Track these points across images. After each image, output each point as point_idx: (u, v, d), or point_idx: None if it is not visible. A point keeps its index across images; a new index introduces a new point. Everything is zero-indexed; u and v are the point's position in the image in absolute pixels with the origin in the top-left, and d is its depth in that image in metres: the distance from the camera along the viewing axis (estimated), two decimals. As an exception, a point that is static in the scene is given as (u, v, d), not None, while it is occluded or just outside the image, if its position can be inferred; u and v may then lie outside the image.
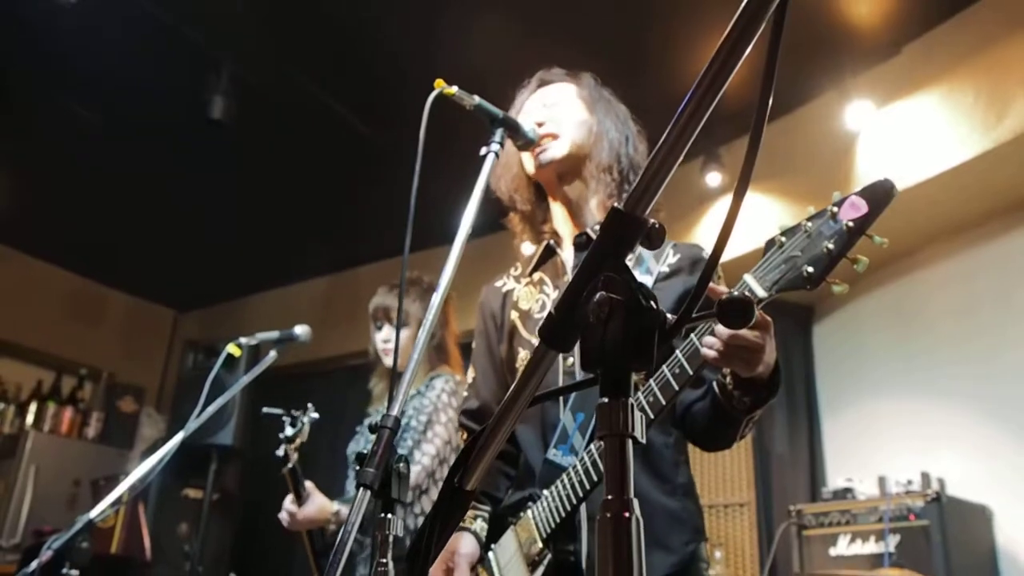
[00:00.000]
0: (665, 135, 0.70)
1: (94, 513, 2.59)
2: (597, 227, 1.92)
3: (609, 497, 0.63)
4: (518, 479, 1.96)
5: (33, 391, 6.40)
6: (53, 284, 6.75)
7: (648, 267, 1.94)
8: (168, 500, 5.34)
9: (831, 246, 1.44)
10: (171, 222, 5.94)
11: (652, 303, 0.66)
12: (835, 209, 1.46)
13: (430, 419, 2.97)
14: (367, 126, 4.70)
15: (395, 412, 1.40)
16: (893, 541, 3.48)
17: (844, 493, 3.84)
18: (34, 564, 2.39)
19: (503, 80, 4.19)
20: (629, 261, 1.82)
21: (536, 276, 2.08)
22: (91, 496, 5.37)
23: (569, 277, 1.97)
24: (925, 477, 3.63)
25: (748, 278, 1.50)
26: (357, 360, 6.22)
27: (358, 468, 1.32)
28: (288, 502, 2.84)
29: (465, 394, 2.18)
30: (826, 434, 4.55)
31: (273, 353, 3.11)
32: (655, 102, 4.36)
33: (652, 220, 0.70)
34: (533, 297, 2.05)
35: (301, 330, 3.13)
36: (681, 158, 0.70)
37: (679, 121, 0.68)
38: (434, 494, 2.94)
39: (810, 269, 1.44)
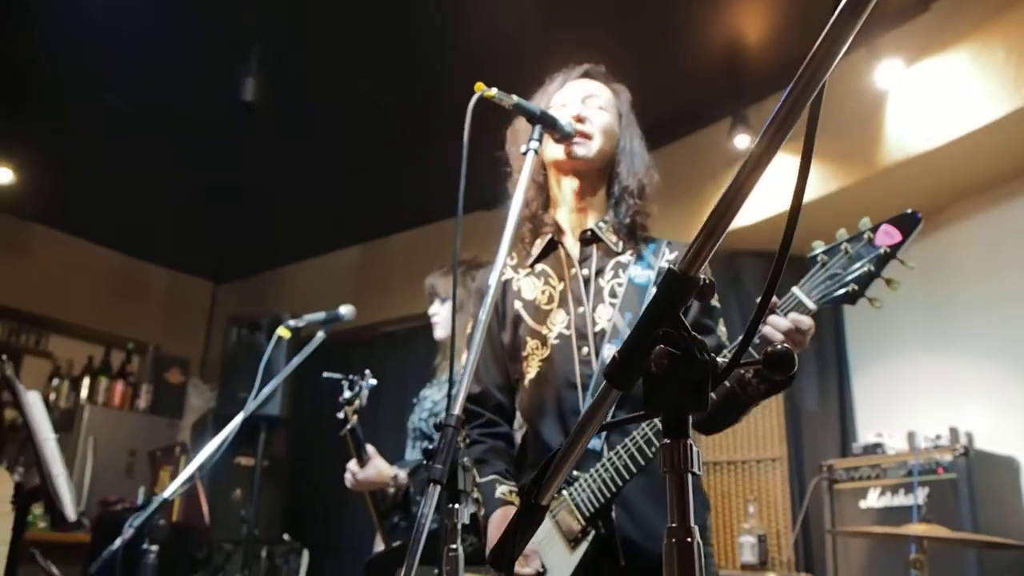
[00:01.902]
0: (713, 208, 0.79)
1: (167, 492, 2.74)
2: (602, 224, 2.05)
3: (673, 525, 0.74)
4: (535, 461, 2.05)
5: (85, 367, 6.65)
6: (97, 262, 6.97)
7: (649, 262, 2.06)
8: (222, 469, 5.56)
9: (871, 268, 1.68)
10: (207, 198, 6.11)
11: (705, 355, 0.77)
12: (871, 235, 1.71)
13: None
14: (396, 100, 4.77)
15: (457, 411, 1.53)
16: (922, 494, 3.59)
17: (874, 448, 3.95)
18: (118, 542, 2.54)
19: (529, 51, 4.27)
20: (631, 256, 1.92)
21: (538, 268, 2.15)
22: (149, 467, 5.58)
23: (577, 270, 2.08)
24: (953, 432, 3.73)
25: (797, 291, 1.70)
26: (393, 327, 6.40)
27: (427, 463, 1.46)
28: (351, 464, 2.99)
29: None
30: (856, 390, 4.63)
31: (321, 334, 3.23)
32: (675, 77, 4.45)
33: (703, 277, 0.80)
34: (538, 288, 2.12)
35: (345, 310, 3.27)
36: (728, 228, 0.80)
37: (718, 210, 0.77)
38: None
39: (855, 287, 1.69)
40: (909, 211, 1.69)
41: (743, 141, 4.56)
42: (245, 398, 5.37)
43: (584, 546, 1.84)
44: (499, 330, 2.16)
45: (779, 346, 0.78)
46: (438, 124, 4.88)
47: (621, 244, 2.09)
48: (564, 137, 1.97)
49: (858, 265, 1.69)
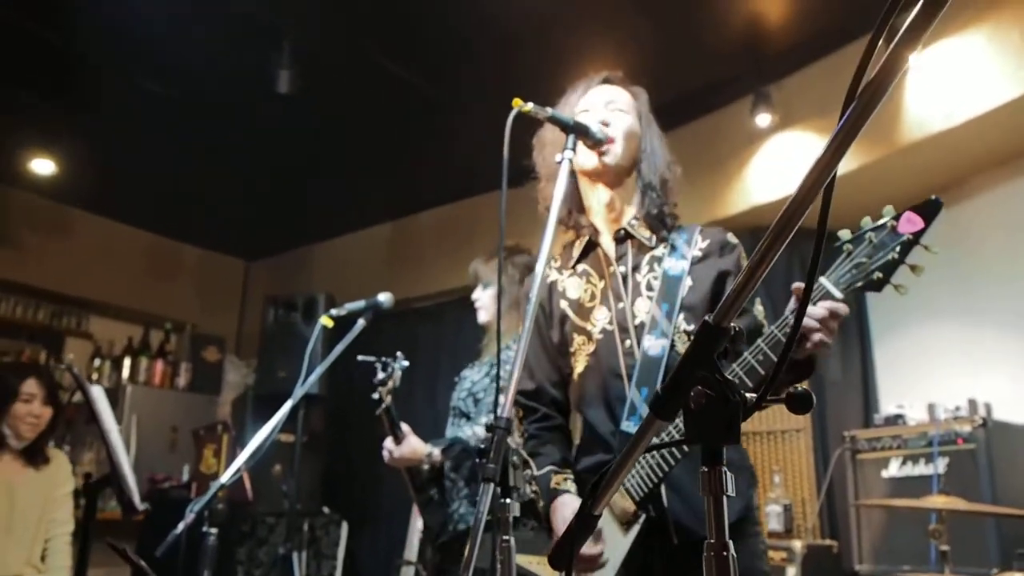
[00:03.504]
0: (745, 266, 0.93)
1: (224, 478, 2.91)
2: (634, 222, 2.19)
3: (712, 540, 0.90)
4: (587, 447, 2.23)
5: (125, 347, 6.86)
6: (133, 244, 7.17)
7: (682, 253, 2.19)
8: (263, 446, 5.77)
9: (896, 255, 1.75)
10: (239, 178, 6.25)
11: (736, 396, 0.91)
12: (894, 223, 1.76)
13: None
14: (424, 80, 4.87)
15: (506, 414, 1.68)
16: (942, 464, 3.72)
17: (895, 419, 4.08)
18: (181, 526, 2.73)
19: (556, 30, 4.34)
20: (664, 249, 2.06)
21: (580, 268, 2.30)
22: (193, 445, 5.80)
23: (615, 268, 2.22)
24: (972, 403, 3.85)
25: (824, 281, 1.78)
26: (424, 303, 6.55)
27: (479, 461, 1.61)
28: (388, 442, 3.17)
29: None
30: (878, 362, 4.75)
31: (361, 321, 3.39)
32: (698, 54, 4.52)
33: (734, 325, 0.94)
34: (581, 287, 2.27)
35: (384, 297, 3.42)
36: (758, 283, 0.93)
37: (756, 258, 0.90)
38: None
39: (880, 274, 1.76)
40: (931, 198, 1.75)
41: (764, 120, 4.64)
42: (284, 377, 5.64)
43: (636, 528, 1.98)
44: (548, 329, 2.32)
45: (799, 388, 0.92)
46: (465, 102, 5.02)
47: (654, 238, 2.22)
48: (597, 143, 2.12)
49: (882, 253, 1.75)
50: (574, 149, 1.99)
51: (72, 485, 4.04)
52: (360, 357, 3.26)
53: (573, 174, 2.30)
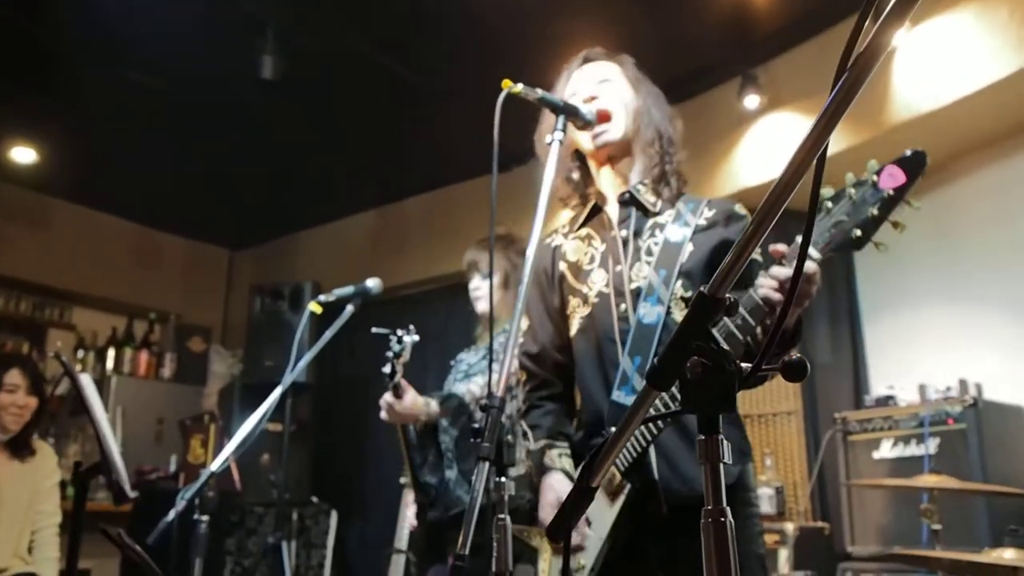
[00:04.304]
0: (738, 239, 0.94)
1: (215, 465, 2.92)
2: (639, 186, 2.21)
3: (710, 507, 0.92)
4: (583, 419, 2.27)
5: (109, 338, 6.85)
6: (115, 234, 7.14)
7: (686, 220, 2.19)
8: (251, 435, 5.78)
9: (875, 212, 1.68)
10: (221, 167, 6.22)
11: (731, 364, 0.93)
12: (875, 178, 1.70)
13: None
14: (407, 68, 4.86)
15: (500, 392, 1.70)
16: (933, 444, 3.76)
17: (886, 400, 4.11)
18: (172, 514, 2.74)
19: (539, 15, 4.32)
20: (669, 216, 2.07)
21: (583, 232, 2.33)
22: (180, 436, 5.81)
23: (616, 232, 2.24)
24: (963, 383, 3.89)
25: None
26: (411, 290, 6.56)
27: (474, 441, 1.64)
28: (387, 396, 3.19)
29: (521, 340, 2.48)
30: (868, 343, 4.77)
31: (350, 307, 3.41)
32: (685, 36, 4.52)
33: (728, 296, 0.96)
34: (582, 251, 2.30)
35: (373, 283, 3.45)
36: (752, 254, 0.94)
37: (749, 230, 0.92)
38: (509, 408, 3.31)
39: (858, 232, 1.70)
40: (914, 150, 1.69)
41: (753, 101, 4.66)
42: (271, 366, 5.64)
43: (621, 499, 2.00)
44: (550, 292, 2.35)
45: (794, 356, 0.94)
46: (449, 89, 5.02)
47: (659, 204, 2.24)
48: (586, 123, 2.13)
49: (863, 210, 1.69)
50: (564, 131, 2.01)
51: (59, 476, 4.04)
52: (374, 329, 3.29)
53: (580, 153, 2.35)
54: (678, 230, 2.17)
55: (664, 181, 2.24)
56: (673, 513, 1.97)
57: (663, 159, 2.25)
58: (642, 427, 1.95)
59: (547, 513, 2.15)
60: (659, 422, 1.93)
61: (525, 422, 2.35)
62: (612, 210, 2.29)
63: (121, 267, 7.10)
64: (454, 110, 4.97)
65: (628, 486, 2.00)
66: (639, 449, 1.97)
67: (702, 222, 2.18)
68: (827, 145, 0.87)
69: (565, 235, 2.39)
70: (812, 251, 1.72)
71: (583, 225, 2.34)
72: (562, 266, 2.33)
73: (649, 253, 2.17)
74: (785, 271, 1.71)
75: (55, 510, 3.93)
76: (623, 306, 2.14)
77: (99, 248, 6.96)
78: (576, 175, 2.37)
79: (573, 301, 2.27)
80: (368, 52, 4.70)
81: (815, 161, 0.87)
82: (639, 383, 2.05)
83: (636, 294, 2.13)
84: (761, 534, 2.15)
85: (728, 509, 0.92)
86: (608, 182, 2.32)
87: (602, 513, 2.04)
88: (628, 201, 2.26)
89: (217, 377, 6.95)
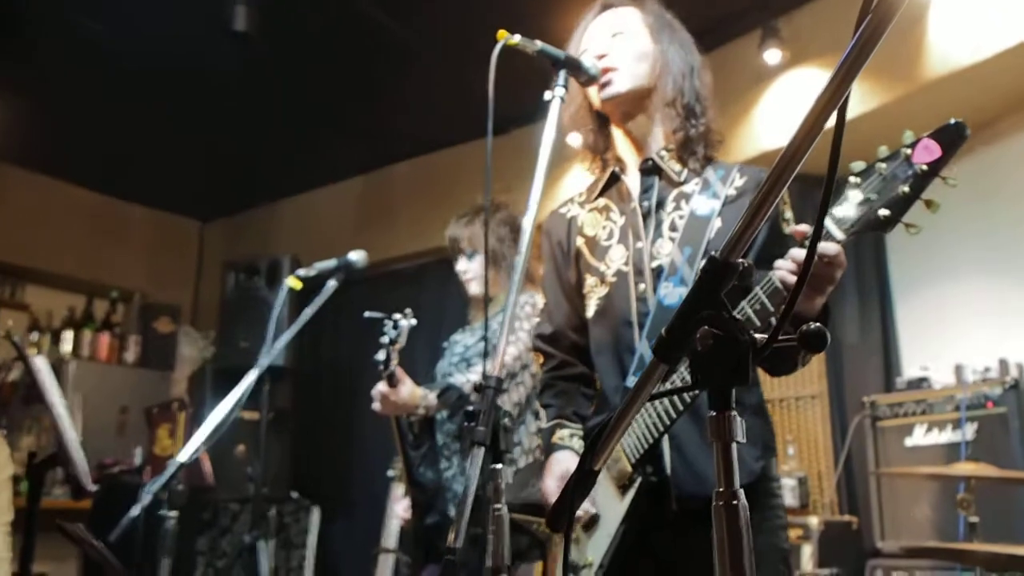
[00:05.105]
0: (753, 197, 0.95)
1: (183, 456, 2.92)
2: (663, 152, 2.19)
3: (721, 489, 0.93)
4: (598, 403, 2.28)
5: (66, 318, 6.84)
6: (73, 204, 7.09)
7: (715, 191, 2.16)
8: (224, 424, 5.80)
9: (906, 189, 1.64)
10: (190, 129, 6.19)
11: (745, 336, 0.94)
12: (908, 152, 1.66)
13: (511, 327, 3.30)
14: (394, 17, 4.83)
15: (496, 371, 1.71)
16: (970, 430, 3.79)
17: (919, 382, 4.14)
18: (137, 509, 2.74)
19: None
20: (696, 186, 2.05)
21: (601, 202, 2.31)
22: (146, 425, 5.81)
23: (636, 204, 2.22)
24: (1003, 363, 3.90)
25: (826, 221, 1.71)
26: (400, 264, 6.55)
27: (468, 425, 1.65)
28: (380, 385, 3.16)
29: (538, 319, 2.50)
30: (900, 321, 4.78)
31: (333, 282, 3.41)
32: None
33: (742, 261, 0.96)
34: (599, 224, 2.28)
35: (357, 256, 3.46)
36: (768, 213, 0.95)
37: (762, 190, 0.93)
38: (514, 395, 3.32)
39: (886, 212, 1.66)
40: (952, 121, 1.63)
41: (774, 56, 4.63)
42: (246, 348, 5.66)
43: (631, 493, 2.01)
44: (566, 269, 2.35)
45: (812, 326, 0.95)
46: (445, 41, 4.99)
47: (685, 172, 2.20)
48: (590, 80, 2.12)
49: (892, 187, 1.65)
50: (565, 86, 2.00)
51: (11, 470, 4.03)
52: (367, 314, 3.28)
53: (602, 115, 2.32)
54: (705, 202, 2.14)
55: (689, 146, 2.20)
56: (685, 514, 1.98)
57: (687, 121, 2.20)
58: (655, 414, 1.96)
59: (551, 488, 2.16)
60: (674, 411, 1.93)
61: (539, 401, 2.38)
62: (632, 179, 2.27)
63: (80, 241, 7.05)
64: (446, 65, 4.95)
65: (639, 479, 2.02)
66: (651, 439, 1.97)
67: (732, 192, 2.14)
68: (847, 98, 0.87)
69: (581, 204, 2.37)
70: (836, 231, 1.70)
71: (601, 194, 2.32)
72: (579, 240, 2.31)
73: (673, 228, 2.14)
74: (803, 253, 1.66)
75: (6, 507, 3.92)
76: (642, 286, 2.13)
77: (55, 220, 6.90)
78: (592, 137, 2.35)
79: (590, 280, 2.26)
80: (357, 6, 4.66)
81: (834, 118, 0.87)
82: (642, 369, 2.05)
83: (657, 273, 2.11)
84: (785, 528, 2.14)
85: (742, 492, 0.93)
86: (625, 146, 2.30)
87: (611, 506, 2.05)
88: (650, 169, 2.23)
89: (186, 361, 6.95)
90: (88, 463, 2.83)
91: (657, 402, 1.95)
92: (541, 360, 2.42)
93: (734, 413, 0.95)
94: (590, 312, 2.25)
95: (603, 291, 2.21)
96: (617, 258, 2.20)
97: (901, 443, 4.03)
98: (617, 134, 2.32)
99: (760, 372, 2.21)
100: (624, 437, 2.02)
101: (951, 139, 1.62)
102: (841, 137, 0.88)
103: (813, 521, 4.00)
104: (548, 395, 2.34)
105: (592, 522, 2.09)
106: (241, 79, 5.47)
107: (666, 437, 2.00)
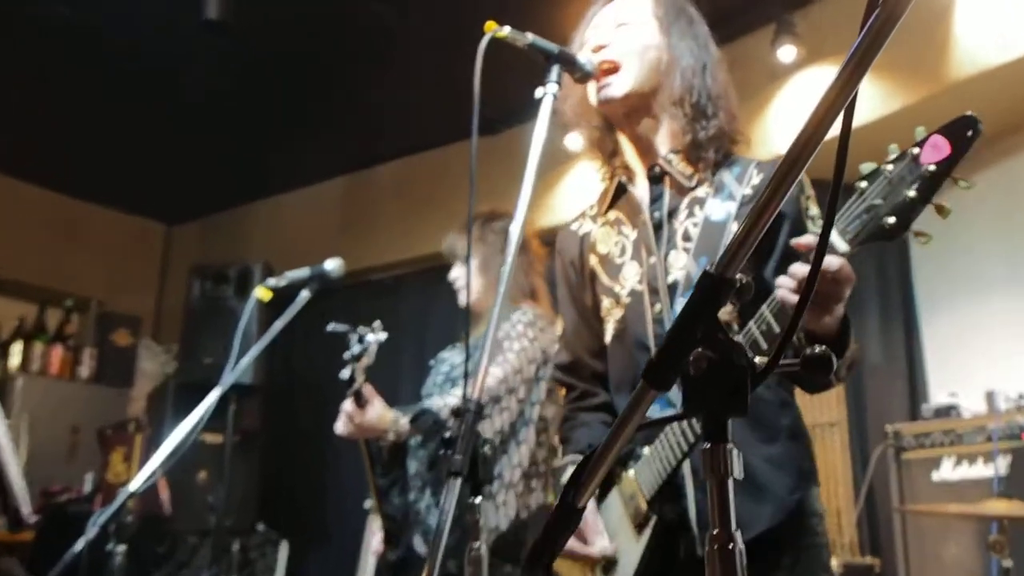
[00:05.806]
0: (753, 204, 0.93)
1: (135, 485, 2.89)
2: (671, 156, 2.15)
3: (716, 531, 0.90)
4: None
5: (16, 329, 6.77)
6: (26, 204, 7.06)
7: (731, 192, 2.10)
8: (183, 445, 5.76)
9: (912, 194, 1.55)
10: (157, 124, 6.18)
11: (742, 359, 0.92)
12: (916, 151, 1.57)
13: (501, 346, 3.27)
14: (379, 9, 4.82)
15: (475, 395, 1.68)
16: (1003, 463, 3.75)
17: (947, 410, 4.11)
18: (81, 543, 2.71)
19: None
20: (709, 189, 2.00)
21: (612, 216, 2.26)
22: (98, 449, 5.78)
23: (646, 215, 2.16)
24: (1039, 390, 3.89)
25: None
26: (381, 274, 6.54)
27: (444, 452, 1.62)
28: (347, 405, 3.05)
29: (533, 338, 2.46)
30: (926, 342, 4.76)
31: (305, 292, 3.39)
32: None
33: (740, 277, 0.94)
34: (611, 239, 2.24)
35: (332, 265, 3.44)
36: (768, 223, 0.93)
37: (762, 197, 0.91)
38: (497, 422, 3.27)
39: (891, 220, 1.57)
40: (963, 114, 1.55)
41: (788, 53, 4.63)
42: (211, 363, 5.62)
43: (647, 532, 1.97)
44: (581, 291, 2.31)
45: (817, 349, 0.92)
46: (429, 36, 4.98)
47: (695, 176, 2.13)
48: (586, 76, 2.08)
49: (898, 191, 1.57)
50: (558, 82, 1.96)
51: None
52: (331, 326, 3.23)
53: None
54: (720, 206, 2.08)
55: (699, 148, 2.13)
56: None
57: (696, 122, 2.13)
58: (668, 446, 1.92)
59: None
60: (686, 444, 1.88)
61: (559, 435, 2.35)
62: (641, 188, 2.22)
63: (32, 243, 7.02)
64: (431, 58, 4.94)
65: (654, 517, 1.97)
66: (666, 473, 1.93)
67: (748, 191, 2.08)
68: (854, 99, 0.85)
69: (593, 218, 2.33)
70: (839, 242, 1.63)
71: (611, 207, 2.28)
72: (592, 260, 2.27)
73: (687, 238, 2.08)
74: (805, 268, 1.61)
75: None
76: (658, 306, 2.08)
77: (6, 220, 6.86)
78: (597, 135, 2.29)
79: (606, 302, 2.21)
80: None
81: (842, 113, 0.85)
82: (677, 396, 2.01)
83: (673, 289, 2.06)
84: (828, 569, 2.05)
85: (738, 533, 0.90)
86: (631, 151, 2.25)
87: (630, 548, 2.01)
88: (659, 176, 2.18)
89: (146, 377, 6.91)
90: (32, 490, 2.82)
91: (671, 433, 1.92)
92: (564, 392, 2.39)
93: (731, 446, 0.92)
94: (608, 336, 2.21)
95: (619, 313, 2.16)
96: (631, 276, 2.15)
97: (928, 477, 3.99)
98: (622, 138, 2.27)
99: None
100: (642, 472, 2.00)
101: (962, 134, 1.54)
102: (847, 141, 0.86)
103: (832, 564, 3.96)
104: (565, 428, 2.30)
105: (611, 565, 2.06)
106: (215, 72, 5.46)
107: (688, 468, 1.95)
